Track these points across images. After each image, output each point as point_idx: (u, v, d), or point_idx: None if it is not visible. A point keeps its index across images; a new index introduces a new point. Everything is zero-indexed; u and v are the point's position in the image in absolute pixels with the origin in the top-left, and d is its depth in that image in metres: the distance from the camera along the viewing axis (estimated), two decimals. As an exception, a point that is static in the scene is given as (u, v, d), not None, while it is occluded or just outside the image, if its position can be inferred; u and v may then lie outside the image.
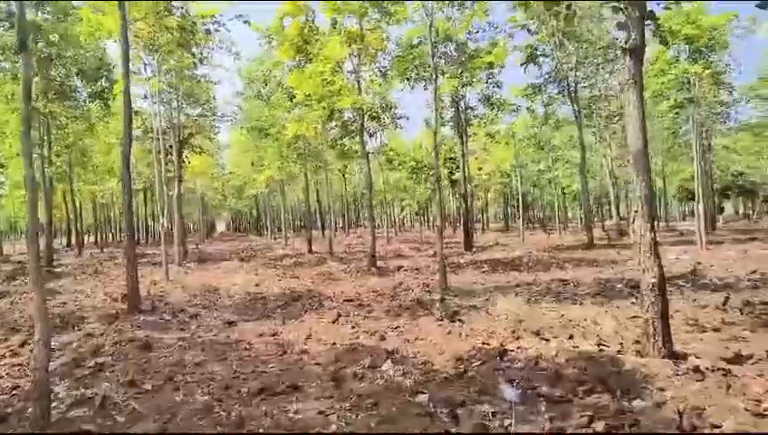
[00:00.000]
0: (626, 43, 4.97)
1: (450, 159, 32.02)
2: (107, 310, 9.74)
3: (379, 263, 16.80)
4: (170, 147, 20.62)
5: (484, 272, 14.25)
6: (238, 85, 26.61)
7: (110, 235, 50.85)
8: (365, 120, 16.03)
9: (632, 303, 8.93)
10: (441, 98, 21.50)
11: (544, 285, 11.26)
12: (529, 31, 20.39)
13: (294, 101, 18.81)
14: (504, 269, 14.78)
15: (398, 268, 15.78)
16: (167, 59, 17.23)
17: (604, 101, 21.69)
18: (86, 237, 51.18)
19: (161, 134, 15.79)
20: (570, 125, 26.33)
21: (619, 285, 10.99)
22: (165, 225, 13.95)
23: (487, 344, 6.29)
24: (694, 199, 52.74)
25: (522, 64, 21.07)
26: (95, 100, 24.74)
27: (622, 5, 4.91)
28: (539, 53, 21.15)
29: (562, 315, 7.72)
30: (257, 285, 13.30)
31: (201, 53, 15.28)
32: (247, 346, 6.89)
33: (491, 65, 19.10)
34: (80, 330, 8.25)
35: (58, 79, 22.85)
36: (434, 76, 11.22)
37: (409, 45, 16.62)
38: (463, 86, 18.98)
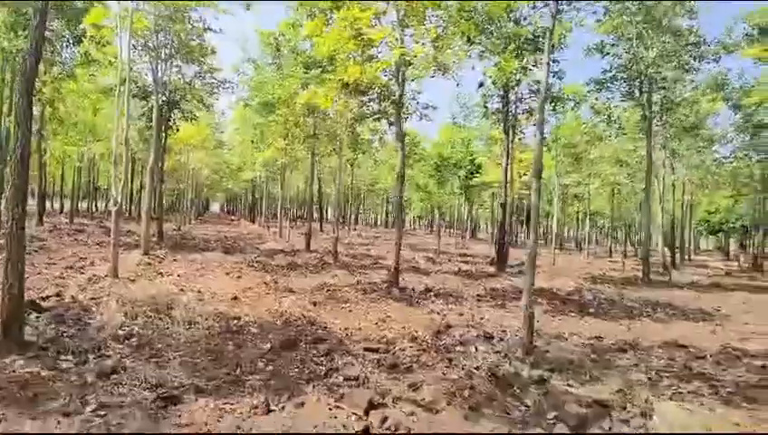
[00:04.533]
0: None
1: (471, 160, 28.22)
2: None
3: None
4: (151, 109, 16.83)
5: (546, 313, 10.48)
6: (243, 52, 22.62)
7: (100, 204, 46.87)
8: (398, 97, 12.21)
9: None
10: (489, 86, 17.86)
11: (662, 356, 7.48)
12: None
13: (310, 58, 14.96)
14: (569, 308, 11.04)
15: (426, 292, 11.99)
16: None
17: (684, 107, 17.87)
18: (71, 203, 46.43)
19: (131, 84, 11.96)
20: (619, 137, 22.63)
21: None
22: (118, 201, 10.06)
23: None
24: (712, 233, 49.39)
25: (587, 49, 17.23)
26: (77, 44, 20.99)
27: None
28: (610, 41, 17.46)
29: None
30: (235, 299, 9.49)
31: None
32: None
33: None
34: None
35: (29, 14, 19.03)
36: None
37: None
38: (522, 69, 15.18)
